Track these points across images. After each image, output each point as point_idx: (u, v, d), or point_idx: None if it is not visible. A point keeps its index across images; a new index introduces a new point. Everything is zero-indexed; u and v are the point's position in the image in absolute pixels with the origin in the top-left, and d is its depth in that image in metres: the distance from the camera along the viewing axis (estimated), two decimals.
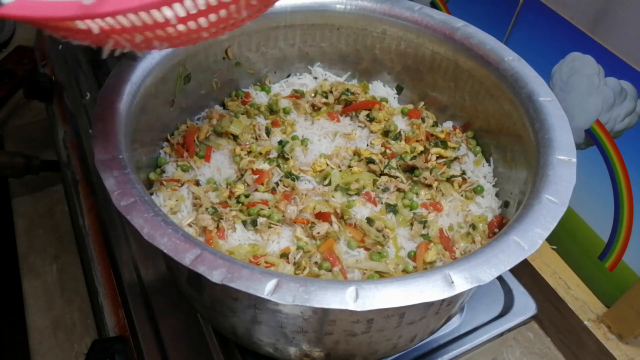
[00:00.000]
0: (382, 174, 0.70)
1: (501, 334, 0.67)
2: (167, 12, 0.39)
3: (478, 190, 0.69)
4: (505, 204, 0.67)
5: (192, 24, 0.41)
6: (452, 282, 0.42)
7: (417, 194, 0.68)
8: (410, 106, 0.82)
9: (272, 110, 0.79)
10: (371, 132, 0.77)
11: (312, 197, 0.65)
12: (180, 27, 0.41)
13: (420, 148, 0.73)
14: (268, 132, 0.75)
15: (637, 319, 0.75)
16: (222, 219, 0.62)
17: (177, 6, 0.39)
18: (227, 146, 0.73)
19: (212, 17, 0.42)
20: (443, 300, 0.47)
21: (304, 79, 0.86)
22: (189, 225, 0.62)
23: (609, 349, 0.77)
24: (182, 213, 0.64)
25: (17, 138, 1.12)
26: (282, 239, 0.62)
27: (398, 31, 0.76)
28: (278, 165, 0.70)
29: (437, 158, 0.73)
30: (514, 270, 0.61)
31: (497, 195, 0.69)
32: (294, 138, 0.74)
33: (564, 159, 0.54)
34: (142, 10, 0.38)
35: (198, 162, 0.70)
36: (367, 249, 0.61)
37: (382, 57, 0.81)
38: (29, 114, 1.18)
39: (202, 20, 0.41)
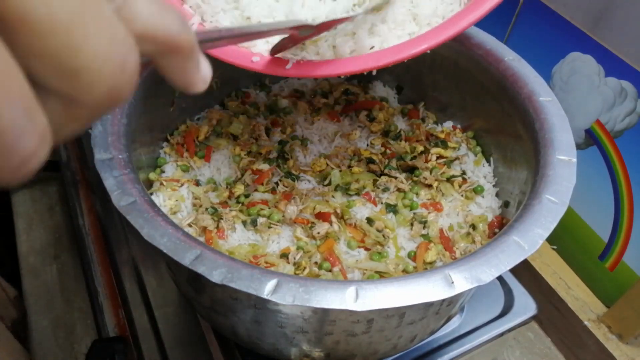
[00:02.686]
0: (382, 174, 0.70)
1: (501, 334, 0.67)
2: None
3: (478, 190, 0.69)
4: (506, 204, 0.67)
5: None
6: (452, 282, 0.42)
7: (417, 194, 0.68)
8: (410, 106, 0.81)
9: (272, 110, 0.79)
10: (371, 132, 0.77)
11: (312, 197, 0.65)
12: None
13: (421, 148, 0.73)
14: (268, 132, 0.75)
15: (638, 319, 0.74)
16: (222, 219, 0.62)
17: None
18: (227, 146, 0.73)
19: None
20: (443, 300, 0.47)
21: (304, 79, 0.85)
22: (189, 225, 0.62)
23: (609, 349, 0.77)
24: (182, 213, 0.64)
25: None
26: (282, 239, 0.62)
27: None
28: (278, 166, 0.69)
29: (437, 158, 0.72)
30: (514, 270, 0.61)
31: (497, 195, 0.69)
32: (293, 138, 0.74)
33: (564, 158, 0.54)
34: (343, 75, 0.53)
35: (198, 162, 0.70)
36: (367, 249, 0.61)
37: None
38: None
39: None
